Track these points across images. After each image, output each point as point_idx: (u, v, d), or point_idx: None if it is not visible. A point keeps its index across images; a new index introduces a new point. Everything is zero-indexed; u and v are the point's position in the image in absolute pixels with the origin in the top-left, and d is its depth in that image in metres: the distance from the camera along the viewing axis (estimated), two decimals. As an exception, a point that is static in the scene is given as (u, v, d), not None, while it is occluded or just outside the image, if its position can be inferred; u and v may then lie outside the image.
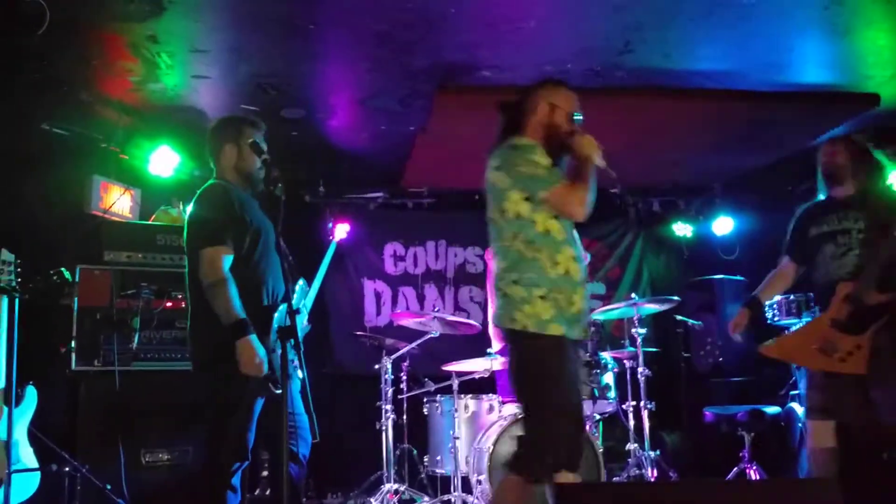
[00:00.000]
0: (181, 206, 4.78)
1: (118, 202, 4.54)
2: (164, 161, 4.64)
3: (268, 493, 4.34)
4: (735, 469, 4.54)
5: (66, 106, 4.28)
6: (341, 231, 5.81)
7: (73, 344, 3.94)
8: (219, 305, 2.72)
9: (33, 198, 4.26)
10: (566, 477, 2.50)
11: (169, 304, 4.13)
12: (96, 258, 4.12)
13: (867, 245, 3.18)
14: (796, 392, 4.78)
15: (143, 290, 4.08)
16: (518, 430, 4.12)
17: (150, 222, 4.53)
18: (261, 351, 2.72)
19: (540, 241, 2.61)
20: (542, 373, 2.57)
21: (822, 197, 3.48)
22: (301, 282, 3.38)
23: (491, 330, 5.07)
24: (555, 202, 2.61)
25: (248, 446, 2.81)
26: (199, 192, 2.96)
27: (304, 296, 3.45)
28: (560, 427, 2.53)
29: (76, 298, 4.00)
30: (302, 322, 3.34)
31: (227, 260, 2.79)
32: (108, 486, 3.70)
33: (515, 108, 2.84)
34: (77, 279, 4.01)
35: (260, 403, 2.83)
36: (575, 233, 2.74)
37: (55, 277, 3.87)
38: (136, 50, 3.76)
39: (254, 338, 2.70)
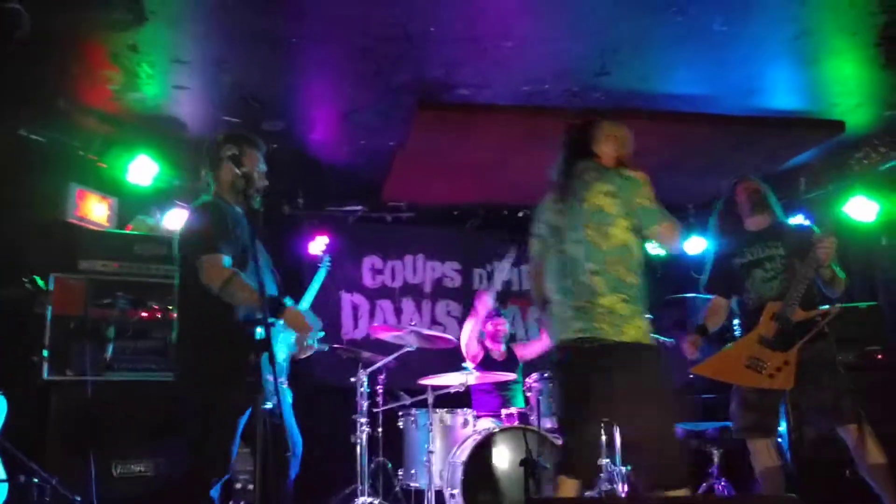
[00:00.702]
0: (159, 216, 4.77)
1: (95, 210, 4.51)
2: (142, 170, 4.62)
3: (241, 504, 4.32)
4: (704, 485, 4.60)
5: (44, 113, 4.26)
6: (320, 244, 5.82)
7: (45, 353, 3.90)
8: (241, 297, 2.78)
9: (8, 204, 4.22)
10: None
11: (145, 313, 4.11)
12: (71, 266, 4.08)
13: (789, 268, 3.41)
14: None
15: (118, 299, 4.06)
16: (498, 446, 4.20)
17: (126, 231, 4.51)
18: (310, 317, 3.01)
19: (636, 270, 2.79)
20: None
21: (727, 234, 3.74)
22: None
23: (464, 348, 5.11)
24: (665, 236, 2.81)
25: (230, 460, 2.84)
26: (193, 205, 3.03)
27: None
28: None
29: (49, 307, 3.96)
30: (288, 340, 3.39)
31: (227, 261, 2.85)
32: (78, 499, 3.66)
33: (582, 133, 2.98)
34: (51, 287, 3.97)
35: (244, 418, 2.85)
36: None
37: (28, 285, 3.84)
38: (116, 59, 3.76)
39: (294, 304, 3.00)
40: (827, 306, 3.38)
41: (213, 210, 2.96)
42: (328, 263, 4.68)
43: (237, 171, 2.91)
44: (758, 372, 3.30)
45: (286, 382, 3.35)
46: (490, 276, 6.38)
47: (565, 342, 2.80)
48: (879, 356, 4.37)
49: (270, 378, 2.80)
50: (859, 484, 3.78)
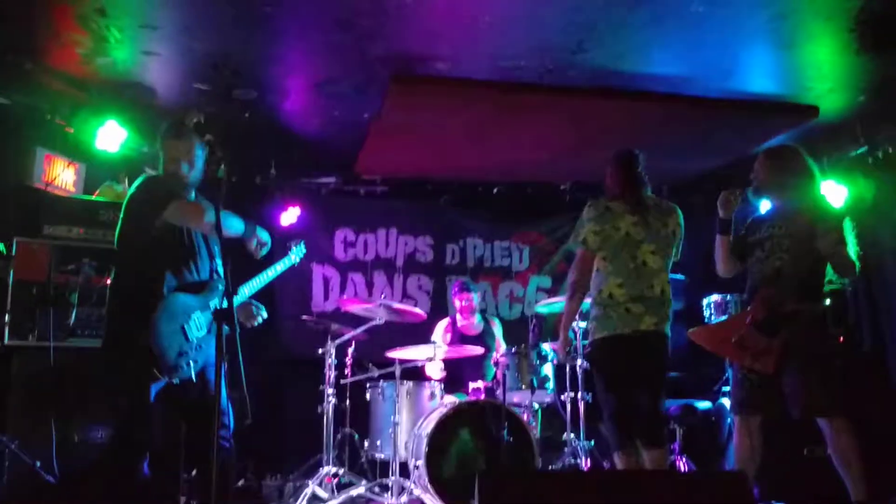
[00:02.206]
0: (127, 182, 4.70)
1: (62, 175, 4.44)
2: (111, 136, 4.54)
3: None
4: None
5: (11, 75, 4.16)
6: (292, 215, 5.77)
7: (6, 318, 3.86)
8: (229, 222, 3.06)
9: (-28, 167, 4.15)
10: None
11: (109, 280, 4.07)
12: (35, 231, 4.04)
13: (792, 255, 3.34)
14: (728, 389, 4.95)
15: (83, 265, 4.02)
16: (462, 419, 4.24)
17: (93, 197, 4.45)
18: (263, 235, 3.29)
19: None
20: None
21: (760, 205, 3.73)
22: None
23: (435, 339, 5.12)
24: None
25: (148, 432, 2.99)
26: (137, 181, 3.16)
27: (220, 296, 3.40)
28: None
29: (11, 271, 3.92)
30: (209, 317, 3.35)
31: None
32: (38, 463, 3.65)
33: (639, 164, 3.65)
34: (13, 252, 3.92)
35: (154, 390, 2.91)
36: None
37: (-10, 250, 3.78)
38: (84, 22, 3.67)
39: (258, 229, 3.29)
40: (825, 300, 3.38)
41: (154, 183, 3.10)
42: (301, 252, 4.41)
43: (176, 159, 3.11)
44: (743, 351, 3.34)
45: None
46: (462, 252, 6.38)
47: (637, 331, 3.35)
48: (841, 339, 4.45)
49: (182, 351, 2.87)
50: (817, 462, 3.86)
